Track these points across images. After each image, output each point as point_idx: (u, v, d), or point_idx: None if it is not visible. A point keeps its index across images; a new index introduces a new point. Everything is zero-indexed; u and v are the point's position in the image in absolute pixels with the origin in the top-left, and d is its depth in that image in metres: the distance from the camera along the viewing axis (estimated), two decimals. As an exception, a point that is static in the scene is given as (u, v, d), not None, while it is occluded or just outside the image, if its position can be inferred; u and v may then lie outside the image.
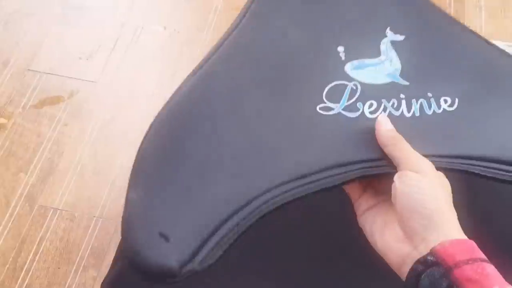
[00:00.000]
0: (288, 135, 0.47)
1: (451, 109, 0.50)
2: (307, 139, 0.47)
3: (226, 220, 0.41)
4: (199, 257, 0.40)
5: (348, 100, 0.49)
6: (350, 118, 0.48)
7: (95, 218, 1.02)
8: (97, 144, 1.11)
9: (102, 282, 0.51)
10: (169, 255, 0.39)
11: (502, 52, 0.55)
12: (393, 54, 0.54)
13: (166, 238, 0.40)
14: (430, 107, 0.50)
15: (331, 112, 0.49)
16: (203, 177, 0.43)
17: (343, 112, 0.49)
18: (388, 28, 0.55)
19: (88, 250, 0.98)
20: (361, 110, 0.49)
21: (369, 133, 0.47)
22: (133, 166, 0.45)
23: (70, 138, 1.12)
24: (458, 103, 0.50)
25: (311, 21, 0.55)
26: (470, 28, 0.59)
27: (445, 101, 0.50)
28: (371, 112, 0.49)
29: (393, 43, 0.55)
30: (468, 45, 0.55)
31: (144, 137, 0.47)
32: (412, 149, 0.43)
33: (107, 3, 1.33)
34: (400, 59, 0.53)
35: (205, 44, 1.27)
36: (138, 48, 1.26)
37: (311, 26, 0.55)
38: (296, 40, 0.53)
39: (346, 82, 0.51)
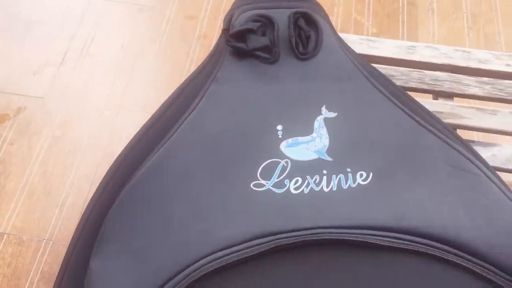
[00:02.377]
0: (223, 210, 0.56)
1: (364, 183, 0.58)
2: (238, 214, 0.55)
3: (164, 284, 0.51)
4: None
5: (278, 177, 0.58)
6: (277, 193, 0.57)
7: (44, 241, 1.00)
8: (46, 163, 1.09)
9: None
10: None
11: (425, 127, 0.62)
12: (323, 131, 0.61)
13: None
14: (346, 181, 0.58)
15: (262, 188, 0.57)
16: (149, 248, 0.53)
17: (272, 188, 0.57)
18: (324, 106, 0.63)
19: (38, 275, 0.96)
20: (287, 187, 0.57)
21: (290, 208, 0.56)
22: (99, 236, 0.54)
23: (17, 157, 1.10)
24: (371, 177, 0.58)
25: (258, 101, 0.63)
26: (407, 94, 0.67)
27: (361, 176, 0.58)
28: (295, 188, 0.57)
29: (326, 120, 0.62)
30: (393, 122, 0.63)
31: (110, 211, 0.55)
32: None
33: (55, 16, 1.32)
34: (329, 135, 0.61)
35: (158, 55, 1.25)
36: (89, 61, 1.25)
37: (257, 106, 0.63)
38: (243, 121, 0.62)
39: (279, 160, 0.59)
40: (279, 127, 0.61)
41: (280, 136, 0.61)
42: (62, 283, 0.54)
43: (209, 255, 0.53)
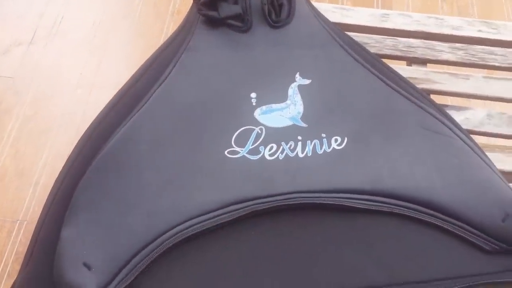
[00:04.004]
0: (197, 177, 0.55)
1: (339, 147, 0.58)
2: (213, 180, 0.55)
3: (138, 252, 0.51)
4: (115, 282, 0.49)
5: (252, 144, 0.57)
6: (252, 160, 0.56)
7: (18, 222, 0.98)
8: (18, 143, 1.07)
9: (11, 286, 0.53)
10: (90, 280, 0.48)
11: (399, 92, 0.62)
12: (298, 98, 0.61)
13: (88, 267, 0.48)
14: (321, 147, 0.58)
15: (236, 156, 0.56)
16: (122, 216, 0.52)
17: (247, 155, 0.57)
18: (298, 73, 0.62)
19: (13, 256, 0.95)
20: (262, 153, 0.57)
21: (265, 173, 0.56)
22: (69, 205, 0.53)
23: None
24: (346, 141, 0.58)
25: (231, 69, 0.63)
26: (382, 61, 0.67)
27: (336, 141, 0.58)
28: (270, 155, 0.57)
29: (300, 87, 0.62)
30: (367, 87, 0.62)
31: (81, 180, 0.54)
32: None
33: (23, -7, 1.25)
34: (303, 102, 0.61)
35: (130, 32, 1.22)
36: (59, 39, 1.22)
37: (231, 74, 0.62)
38: (216, 90, 0.61)
39: (253, 127, 0.58)
40: (253, 95, 0.61)
41: (254, 104, 0.60)
42: (33, 253, 0.53)
43: (184, 222, 0.52)
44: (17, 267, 0.94)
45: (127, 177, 0.55)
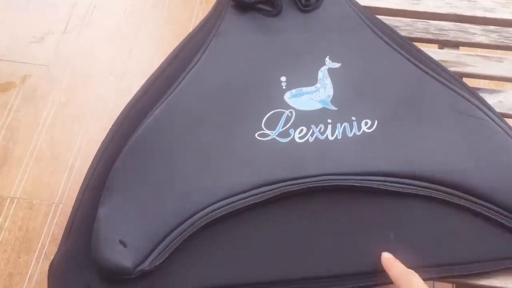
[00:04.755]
0: (229, 160, 0.56)
1: (369, 130, 0.58)
2: (244, 163, 0.56)
3: (171, 231, 0.52)
4: (149, 260, 0.51)
5: (282, 127, 0.58)
6: (282, 143, 0.57)
7: (54, 205, 1.00)
8: (52, 128, 1.09)
9: (49, 265, 0.54)
10: (126, 258, 0.49)
11: (431, 75, 0.62)
12: (328, 81, 0.61)
13: (124, 244, 0.50)
14: (351, 130, 0.58)
15: (267, 138, 0.57)
16: (156, 197, 0.54)
17: (277, 138, 0.57)
18: (328, 57, 0.62)
19: (49, 237, 0.97)
20: (292, 136, 0.58)
21: (295, 156, 0.56)
22: (105, 185, 0.55)
23: (24, 124, 1.10)
24: (376, 124, 0.58)
25: (261, 53, 0.63)
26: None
27: (366, 124, 0.58)
28: (300, 137, 0.57)
29: (330, 70, 0.62)
30: (398, 70, 0.62)
31: (116, 161, 0.56)
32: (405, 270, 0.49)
33: (57, -17, 1.27)
34: (333, 85, 0.61)
35: (160, 20, 1.23)
36: (91, 28, 1.24)
37: (261, 58, 0.63)
38: (247, 73, 0.62)
39: (283, 110, 0.59)
40: (283, 78, 0.61)
41: (284, 87, 0.61)
42: (71, 232, 0.55)
43: (215, 202, 0.53)
44: (54, 249, 0.96)
45: (160, 158, 0.56)
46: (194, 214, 0.53)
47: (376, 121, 0.58)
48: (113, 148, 0.58)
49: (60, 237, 0.55)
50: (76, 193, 0.57)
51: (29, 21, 1.24)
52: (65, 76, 1.16)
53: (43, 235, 0.97)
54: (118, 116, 0.61)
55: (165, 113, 0.58)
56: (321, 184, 0.55)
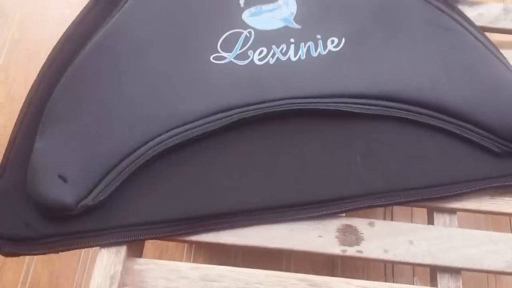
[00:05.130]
0: (181, 85, 0.51)
1: (336, 49, 0.53)
2: (198, 88, 0.51)
3: (118, 163, 0.48)
4: (92, 195, 0.46)
5: (240, 49, 0.53)
6: (239, 66, 0.52)
7: None
8: (7, 67, 1.03)
9: None
10: (66, 193, 0.45)
11: None
12: None
13: (64, 179, 0.46)
14: (316, 49, 0.53)
15: (223, 61, 0.52)
16: (101, 126, 0.49)
17: (234, 61, 0.52)
18: None
19: None
20: (250, 58, 0.52)
21: (254, 79, 0.51)
22: (43, 115, 0.49)
23: None
24: (344, 42, 0.53)
25: None
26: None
27: (332, 42, 0.53)
28: (260, 59, 0.52)
29: None
30: None
31: (56, 89, 0.50)
32: None
33: None
34: (297, 2, 0.55)
35: None
36: None
37: None
38: None
39: (241, 30, 0.54)
40: None
41: (242, 5, 0.55)
42: (6, 168, 0.50)
43: (167, 132, 0.49)
44: None
45: (105, 84, 0.51)
46: (143, 145, 0.48)
47: (343, 39, 0.53)
48: (53, 73, 0.52)
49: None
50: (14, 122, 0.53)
51: None
52: (18, 11, 1.08)
53: None
54: (59, 40, 0.55)
55: (109, 36, 0.53)
56: (282, 109, 0.50)
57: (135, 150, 0.48)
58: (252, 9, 0.55)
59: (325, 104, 0.50)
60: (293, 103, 0.50)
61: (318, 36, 0.53)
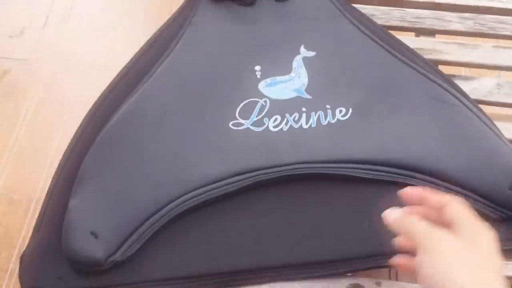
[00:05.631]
0: (202, 149, 0.56)
1: (344, 118, 0.58)
2: (217, 152, 0.56)
3: (143, 222, 0.52)
4: (120, 251, 0.50)
5: (257, 116, 0.57)
6: (256, 132, 0.57)
7: (34, 200, 1.00)
8: (33, 124, 1.09)
9: (22, 254, 0.54)
10: (97, 249, 0.49)
11: (406, 63, 0.61)
12: (302, 70, 0.60)
13: (96, 235, 0.49)
14: (326, 118, 0.57)
15: (241, 127, 0.57)
16: (128, 187, 0.53)
17: (251, 127, 0.57)
18: (302, 46, 0.62)
19: (29, 233, 0.93)
20: (266, 125, 0.57)
21: (269, 145, 0.56)
22: (77, 176, 0.54)
23: (4, 119, 1.09)
24: (351, 112, 0.58)
25: (236, 42, 0.63)
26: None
27: (340, 112, 0.58)
28: (274, 126, 0.57)
29: (305, 59, 0.61)
30: (373, 58, 0.62)
31: (88, 152, 0.55)
32: (428, 227, 0.41)
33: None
34: (308, 74, 0.60)
35: (141, 12, 1.22)
36: (71, 23, 1.23)
37: (235, 48, 0.62)
38: (221, 63, 0.61)
39: (257, 99, 0.59)
40: (257, 68, 0.61)
41: (258, 76, 0.60)
42: (41, 225, 0.54)
43: (188, 193, 0.53)
44: (34, 245, 0.95)
45: (132, 149, 0.55)
46: (166, 205, 0.52)
47: (350, 109, 0.58)
48: (85, 140, 0.57)
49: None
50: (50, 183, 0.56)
51: (7, 15, 1.22)
52: (45, 71, 1.15)
53: (23, 231, 0.96)
54: (90, 108, 0.61)
55: (137, 104, 0.58)
56: (294, 173, 0.54)
57: (159, 210, 0.52)
58: (268, 80, 0.60)
59: (334, 169, 0.54)
60: (304, 168, 0.54)
61: (328, 106, 0.58)
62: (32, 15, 1.21)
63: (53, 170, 1.00)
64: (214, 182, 0.54)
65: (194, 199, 0.53)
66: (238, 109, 0.58)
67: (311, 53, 0.62)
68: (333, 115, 0.58)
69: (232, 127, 0.57)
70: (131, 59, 0.63)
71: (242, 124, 0.57)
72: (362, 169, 0.55)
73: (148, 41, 0.65)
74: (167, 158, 0.55)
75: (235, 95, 0.59)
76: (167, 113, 0.58)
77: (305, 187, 0.55)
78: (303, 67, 0.61)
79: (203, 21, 0.64)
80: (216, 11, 0.65)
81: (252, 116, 0.57)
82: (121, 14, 1.23)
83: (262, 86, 0.60)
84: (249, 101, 0.58)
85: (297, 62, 0.61)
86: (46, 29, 1.20)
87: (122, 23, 1.22)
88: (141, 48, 0.64)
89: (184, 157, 0.55)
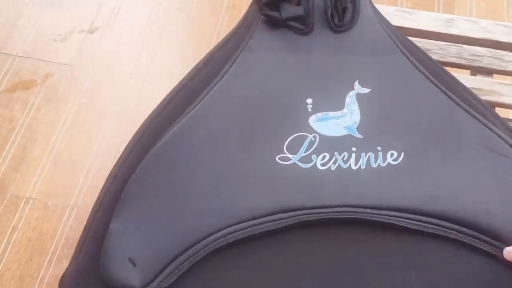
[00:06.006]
0: (247, 182, 0.54)
1: (395, 162, 0.55)
2: (263, 186, 0.54)
3: (183, 252, 0.51)
4: (157, 281, 0.49)
5: (305, 152, 0.56)
6: (303, 168, 0.55)
7: (69, 207, 0.99)
8: (72, 129, 1.09)
9: (61, 278, 0.54)
10: (134, 277, 0.49)
11: (462, 106, 0.59)
12: (355, 107, 0.58)
13: (133, 263, 0.49)
14: (376, 160, 0.55)
15: (287, 162, 0.55)
16: (170, 214, 0.52)
17: (298, 163, 0.55)
18: (357, 81, 0.60)
19: (63, 240, 0.96)
20: (313, 162, 0.55)
21: (316, 184, 0.54)
22: (120, 199, 0.53)
23: (44, 123, 1.09)
24: (402, 157, 0.55)
25: (289, 72, 0.61)
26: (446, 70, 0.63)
27: (392, 155, 0.56)
28: (322, 164, 0.55)
29: (358, 96, 0.59)
30: (428, 100, 0.59)
31: (133, 175, 0.55)
32: None
33: (84, -18, 1.27)
34: (360, 112, 0.58)
35: (185, 25, 1.22)
36: (116, 30, 1.23)
37: (288, 77, 0.60)
38: (273, 92, 0.60)
39: (307, 134, 0.57)
40: (309, 101, 0.59)
41: (309, 110, 0.58)
42: (84, 246, 0.54)
43: (231, 225, 0.52)
44: (67, 251, 0.96)
45: (178, 174, 0.55)
46: (208, 236, 0.51)
47: (402, 153, 0.56)
48: (132, 160, 0.57)
49: (73, 241, 0.54)
50: (91, 196, 0.56)
51: (54, 19, 1.23)
52: (87, 77, 1.15)
53: (56, 238, 0.97)
54: (140, 127, 0.60)
55: (186, 128, 0.57)
56: (340, 216, 0.53)
57: (199, 241, 0.51)
58: (319, 115, 0.58)
59: (381, 216, 0.52)
60: (350, 212, 0.52)
61: (379, 148, 0.56)
62: (77, 20, 1.22)
63: (89, 177, 1.03)
64: (258, 217, 0.52)
65: (236, 233, 0.52)
66: (286, 143, 0.56)
67: (366, 90, 0.60)
68: (384, 158, 0.55)
69: (279, 161, 0.55)
70: (183, 79, 0.63)
71: (289, 159, 0.55)
72: (411, 219, 0.52)
73: (201, 61, 0.64)
74: (212, 187, 0.54)
75: (284, 127, 0.57)
76: (215, 139, 0.56)
77: (349, 232, 0.53)
78: (356, 104, 0.59)
79: (258, 47, 0.62)
80: (272, 37, 0.63)
81: (300, 151, 0.56)
82: (165, 24, 1.23)
83: (312, 120, 0.58)
84: (298, 135, 0.57)
85: (351, 98, 0.59)
86: (90, 35, 1.20)
87: (166, 32, 1.22)
88: (193, 69, 0.63)
89: (229, 187, 0.54)
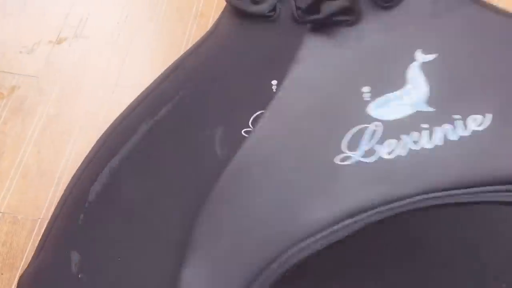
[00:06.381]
0: (307, 196, 0.46)
1: (481, 128, 0.45)
2: (323, 195, 0.45)
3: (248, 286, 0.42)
4: None
5: (367, 144, 0.47)
6: (367, 163, 0.46)
7: (39, 220, 0.92)
8: (40, 142, 1.01)
9: (19, 278, 0.51)
10: None
11: None
12: (421, 79, 0.49)
13: None
14: (455, 131, 0.45)
15: (349, 162, 0.46)
16: (235, 249, 0.46)
17: (362, 159, 0.46)
18: (418, 50, 0.50)
19: (33, 254, 0.92)
20: (379, 153, 0.46)
21: (384, 177, 0.44)
22: (190, 241, 0.47)
23: (11, 137, 1.01)
24: (491, 120, 0.45)
25: (341, 70, 0.53)
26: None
27: (475, 120, 0.45)
28: (389, 153, 0.46)
29: (423, 65, 0.49)
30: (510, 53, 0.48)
31: (200, 215, 0.48)
32: None
33: (49, -7, 1.23)
34: (428, 83, 0.48)
35: (155, 33, 1.22)
36: (84, 39, 1.14)
37: (340, 74, 0.52)
38: (326, 96, 0.51)
39: (366, 125, 0.47)
40: (366, 89, 0.50)
41: (367, 99, 0.49)
42: (43, 248, 0.49)
43: (295, 244, 0.43)
44: (38, 267, 0.93)
45: (241, 207, 0.48)
46: (273, 261, 0.43)
47: (489, 115, 0.45)
48: (96, 165, 0.50)
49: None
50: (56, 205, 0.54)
51: (19, 30, 1.10)
52: (54, 88, 1.05)
53: (27, 252, 0.85)
54: (105, 131, 0.53)
55: (244, 159, 0.49)
56: (419, 206, 0.42)
57: (264, 268, 0.44)
58: (379, 100, 0.49)
59: (471, 196, 0.41)
60: (431, 198, 0.42)
61: (457, 117, 0.46)
62: (44, 31, 1.10)
63: (59, 189, 0.99)
64: (322, 230, 0.43)
65: (302, 253, 0.43)
66: (344, 141, 0.47)
67: (431, 56, 0.50)
68: (465, 126, 0.45)
69: (339, 162, 0.46)
70: (149, 86, 0.57)
71: (350, 158, 0.46)
72: (508, 190, 0.41)
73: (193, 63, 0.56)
74: (272, 211, 0.46)
75: (339, 126, 0.48)
76: (271, 162, 0.48)
77: (429, 220, 0.45)
78: (422, 75, 0.49)
79: (310, 55, 0.54)
80: (324, 42, 0.54)
81: (360, 146, 0.47)
82: (134, 32, 1.11)
83: (371, 108, 0.49)
84: (356, 129, 0.48)
85: (413, 70, 0.50)
86: (57, 46, 1.08)
87: (134, 41, 1.11)
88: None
89: (289, 206, 0.46)
